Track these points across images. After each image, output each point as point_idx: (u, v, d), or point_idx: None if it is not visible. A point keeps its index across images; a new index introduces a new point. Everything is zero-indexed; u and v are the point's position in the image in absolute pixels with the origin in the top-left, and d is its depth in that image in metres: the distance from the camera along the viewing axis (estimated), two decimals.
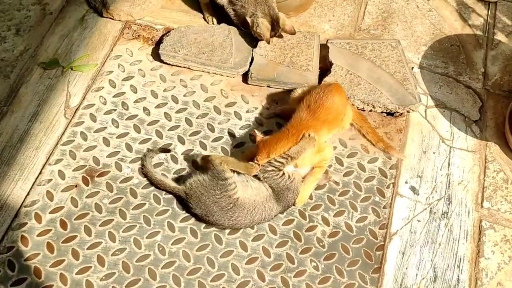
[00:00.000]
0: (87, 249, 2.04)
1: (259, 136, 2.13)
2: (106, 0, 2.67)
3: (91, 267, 2.00)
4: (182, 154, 2.29)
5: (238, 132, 2.36)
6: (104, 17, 2.73)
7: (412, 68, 2.61)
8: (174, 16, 2.77)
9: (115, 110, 2.41)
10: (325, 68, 2.52)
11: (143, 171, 2.21)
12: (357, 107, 2.40)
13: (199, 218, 2.10)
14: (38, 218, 2.10)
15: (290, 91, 2.41)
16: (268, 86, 2.50)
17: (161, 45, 2.53)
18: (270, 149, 2.04)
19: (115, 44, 2.64)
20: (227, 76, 2.53)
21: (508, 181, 2.29)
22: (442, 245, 2.12)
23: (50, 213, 2.11)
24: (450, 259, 2.09)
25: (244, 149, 2.30)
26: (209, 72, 2.53)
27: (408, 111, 2.41)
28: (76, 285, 1.96)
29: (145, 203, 2.15)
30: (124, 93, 2.46)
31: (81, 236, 2.07)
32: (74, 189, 2.18)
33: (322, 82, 2.41)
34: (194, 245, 2.07)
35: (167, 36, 2.57)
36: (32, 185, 2.18)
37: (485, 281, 2.05)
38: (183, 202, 2.13)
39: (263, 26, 2.45)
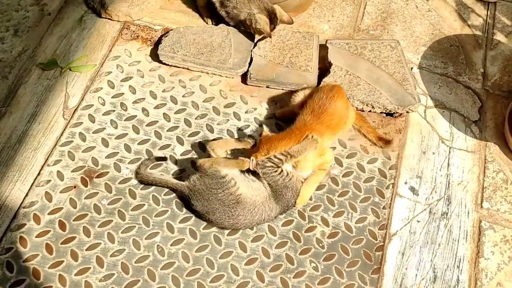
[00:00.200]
0: (86, 250, 2.03)
1: (265, 131, 2.13)
2: (104, 0, 2.67)
3: (90, 268, 2.00)
4: (181, 155, 2.28)
5: (237, 133, 2.36)
6: (102, 17, 2.72)
7: (412, 68, 2.61)
8: (173, 16, 2.77)
9: (113, 110, 2.40)
10: (324, 68, 2.51)
11: (140, 179, 2.19)
12: (357, 108, 2.39)
13: (198, 216, 2.10)
14: (36, 219, 2.09)
15: (289, 92, 2.42)
16: (267, 87, 2.49)
17: (159, 45, 2.53)
18: (271, 146, 2.04)
19: (114, 45, 2.63)
20: (226, 76, 2.52)
21: (507, 181, 2.29)
22: (442, 245, 2.12)
23: (48, 214, 2.11)
24: (449, 260, 2.09)
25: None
26: (208, 73, 2.53)
27: (407, 112, 2.40)
28: (75, 286, 1.96)
29: (144, 204, 2.15)
30: (123, 93, 2.46)
31: (80, 237, 2.06)
32: (73, 190, 2.17)
33: (322, 83, 2.41)
34: (193, 246, 2.06)
35: (166, 36, 2.57)
36: (31, 186, 2.18)
37: (485, 282, 2.05)
38: (183, 199, 2.13)
39: (262, 21, 2.46)
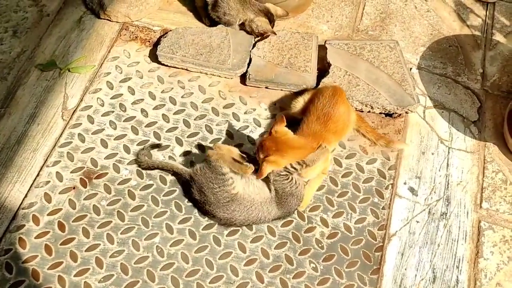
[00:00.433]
0: (85, 251, 2.03)
1: (281, 125, 2.03)
2: (103, 1, 2.67)
3: (89, 269, 2.00)
4: (180, 155, 2.28)
5: (236, 133, 2.36)
6: (101, 18, 2.72)
7: (411, 69, 2.61)
8: (172, 17, 2.77)
9: (112, 111, 2.40)
10: (323, 69, 2.51)
11: (143, 166, 2.22)
12: (356, 108, 2.39)
13: (197, 205, 2.11)
14: (36, 220, 2.09)
15: (289, 97, 2.42)
16: (266, 87, 2.49)
17: (158, 46, 2.52)
18: (284, 154, 1.97)
19: (113, 46, 2.63)
20: (225, 77, 2.52)
21: (507, 181, 2.29)
22: (441, 245, 2.12)
23: (48, 215, 2.10)
24: (449, 260, 2.09)
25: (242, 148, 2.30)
26: (207, 74, 2.53)
27: (406, 112, 2.40)
28: (74, 287, 1.96)
29: (143, 205, 2.14)
30: (122, 94, 2.46)
31: (79, 238, 2.06)
32: (72, 191, 2.17)
33: (321, 84, 2.41)
34: (192, 247, 2.06)
35: (165, 37, 2.57)
36: (30, 187, 2.17)
37: (484, 282, 2.05)
38: (184, 184, 2.15)
39: (263, 23, 2.52)
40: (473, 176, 2.30)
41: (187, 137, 2.34)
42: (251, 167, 2.03)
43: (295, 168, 2.00)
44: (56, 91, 2.46)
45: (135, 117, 2.39)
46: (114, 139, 2.32)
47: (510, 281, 2.05)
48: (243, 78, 2.50)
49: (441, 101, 2.52)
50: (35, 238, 2.05)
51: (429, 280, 2.04)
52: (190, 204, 2.15)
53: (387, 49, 2.55)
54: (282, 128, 2.03)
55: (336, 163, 2.29)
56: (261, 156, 1.97)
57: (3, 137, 2.31)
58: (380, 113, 2.43)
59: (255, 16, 2.54)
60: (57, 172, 2.21)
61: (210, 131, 2.36)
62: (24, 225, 2.08)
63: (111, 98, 2.44)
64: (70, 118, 2.37)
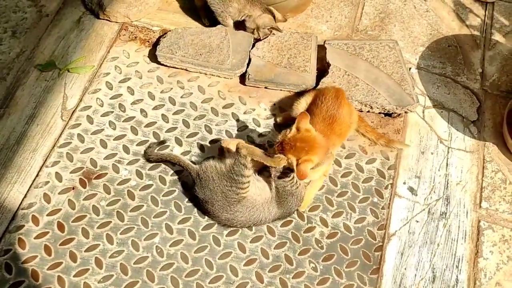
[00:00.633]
0: (84, 251, 2.03)
1: (305, 121, 1.97)
2: (102, 2, 2.67)
3: (88, 269, 1.99)
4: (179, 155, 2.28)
5: (236, 134, 2.36)
6: (100, 19, 2.72)
7: (410, 68, 2.61)
8: (171, 17, 2.77)
9: (112, 112, 2.40)
10: (322, 69, 2.51)
11: (152, 158, 2.23)
12: (355, 108, 2.39)
13: (197, 204, 2.11)
14: (35, 220, 2.09)
15: (289, 98, 2.42)
16: (265, 88, 2.49)
17: (158, 46, 2.52)
18: (319, 151, 1.94)
19: (112, 46, 2.63)
20: (225, 77, 2.52)
21: (506, 181, 2.29)
22: (441, 245, 2.12)
23: (47, 215, 2.10)
24: (448, 260, 2.09)
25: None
26: (206, 74, 2.53)
27: (406, 112, 2.40)
28: (74, 287, 1.96)
29: (143, 205, 2.14)
30: (121, 95, 2.46)
31: (79, 238, 2.06)
32: (72, 191, 2.17)
33: (320, 84, 2.41)
34: (192, 247, 2.06)
35: (164, 37, 2.57)
36: (29, 187, 2.17)
37: (484, 281, 2.05)
38: (186, 187, 2.16)
39: (269, 20, 2.56)
40: (472, 176, 2.30)
41: (187, 137, 2.34)
42: (284, 158, 1.96)
43: None
44: (55, 92, 2.46)
45: (134, 117, 2.39)
46: (114, 140, 2.32)
47: (510, 280, 2.05)
48: (243, 78, 2.50)
49: (440, 101, 2.52)
50: (34, 238, 2.05)
51: (428, 280, 2.04)
52: (190, 204, 2.15)
53: (387, 49, 2.55)
54: (307, 125, 1.97)
55: (335, 163, 2.29)
56: (292, 156, 1.92)
57: (2, 138, 2.31)
58: (380, 113, 2.43)
59: (262, 12, 2.54)
60: (56, 173, 2.21)
61: (210, 131, 2.36)
62: (24, 226, 2.08)
63: (111, 99, 2.44)
64: (70, 119, 2.37)
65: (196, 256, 2.04)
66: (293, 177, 2.01)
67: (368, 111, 2.42)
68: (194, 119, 2.40)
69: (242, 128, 2.38)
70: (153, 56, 2.55)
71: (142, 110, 2.41)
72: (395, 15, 2.85)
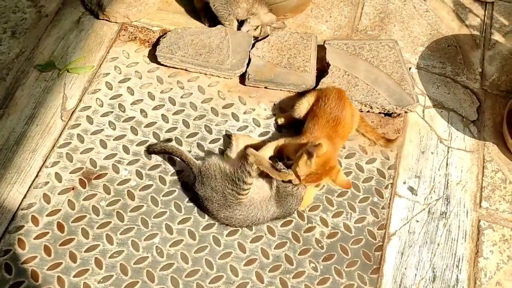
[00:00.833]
0: (84, 251, 2.03)
1: (322, 151, 1.92)
2: (102, 2, 2.66)
3: (88, 269, 1.99)
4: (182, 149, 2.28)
5: (236, 133, 2.35)
6: (100, 19, 2.72)
7: (410, 68, 2.61)
8: (171, 17, 2.77)
9: (112, 112, 2.40)
10: (322, 69, 2.51)
11: (156, 149, 2.23)
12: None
13: (197, 201, 2.11)
14: (35, 221, 2.09)
15: (288, 93, 2.42)
16: (265, 88, 2.49)
17: (157, 47, 2.52)
18: (334, 167, 1.97)
19: (112, 46, 2.63)
20: (224, 77, 2.52)
21: (506, 180, 2.29)
22: (441, 245, 2.12)
23: (47, 215, 2.10)
24: (449, 259, 2.09)
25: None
26: (206, 74, 2.53)
27: (406, 112, 2.40)
28: None
29: (143, 205, 2.14)
30: (121, 95, 2.45)
31: (79, 238, 2.06)
32: (71, 192, 2.17)
33: (320, 84, 2.41)
34: (192, 247, 2.06)
35: (164, 37, 2.56)
36: (29, 187, 2.17)
37: (484, 281, 2.04)
38: (186, 187, 2.15)
39: (274, 17, 2.58)
40: (472, 176, 2.30)
41: (187, 137, 2.34)
42: (291, 174, 1.97)
43: None
44: (55, 92, 2.46)
45: (134, 117, 2.38)
46: (113, 140, 2.32)
47: (510, 280, 2.05)
48: (242, 78, 2.50)
49: (440, 101, 2.52)
50: (34, 239, 2.05)
51: (429, 280, 2.04)
52: (190, 204, 2.15)
53: (386, 49, 2.55)
54: (323, 151, 1.93)
55: None
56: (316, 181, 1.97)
57: (1, 138, 2.30)
58: (380, 112, 2.43)
59: (268, 11, 2.56)
60: (56, 173, 2.21)
61: (210, 131, 2.36)
62: (23, 226, 2.07)
63: (110, 99, 2.44)
64: (69, 119, 2.37)
65: (196, 256, 2.04)
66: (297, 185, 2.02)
67: (368, 111, 2.42)
68: (194, 119, 2.39)
69: (242, 128, 2.37)
70: (153, 56, 2.55)
71: (142, 110, 2.41)
72: (394, 15, 2.85)
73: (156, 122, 2.37)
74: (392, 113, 2.41)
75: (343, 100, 2.18)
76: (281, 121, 2.38)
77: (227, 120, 2.39)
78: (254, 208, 2.01)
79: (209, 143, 2.32)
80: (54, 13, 2.76)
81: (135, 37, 2.67)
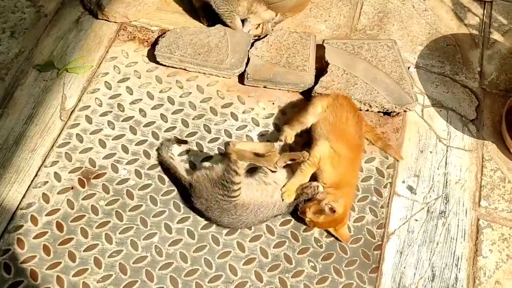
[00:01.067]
0: (83, 251, 2.03)
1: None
2: (101, 2, 2.67)
3: (87, 269, 1.99)
4: (178, 155, 2.28)
5: (235, 133, 2.35)
6: (99, 19, 2.72)
7: (409, 67, 2.61)
8: (170, 17, 2.77)
9: (111, 111, 2.40)
10: (321, 68, 2.51)
11: (159, 159, 2.23)
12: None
13: (200, 214, 2.10)
14: (34, 220, 2.09)
15: (287, 93, 2.42)
16: (264, 87, 2.49)
17: (156, 46, 2.52)
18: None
19: (111, 46, 2.63)
20: (223, 77, 2.52)
21: (505, 179, 2.29)
22: (440, 244, 2.12)
23: (46, 215, 2.10)
24: (448, 258, 2.09)
25: None
26: (205, 73, 2.53)
27: (404, 111, 2.40)
28: (73, 287, 1.95)
29: (142, 205, 2.14)
30: (120, 94, 2.45)
31: (78, 238, 2.06)
32: (70, 191, 2.17)
33: (320, 83, 2.40)
34: (191, 246, 2.06)
35: (163, 37, 2.56)
36: (28, 187, 2.17)
37: (483, 280, 2.05)
38: (185, 197, 2.14)
39: (274, 15, 2.60)
40: (471, 175, 2.30)
41: (186, 136, 2.34)
42: (276, 154, 1.97)
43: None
44: (54, 92, 2.46)
45: (133, 117, 2.39)
46: (113, 139, 2.32)
47: (509, 279, 2.05)
48: (241, 78, 2.50)
49: (439, 100, 2.52)
50: (33, 238, 2.05)
51: (428, 279, 2.04)
52: (189, 204, 2.15)
53: (385, 48, 2.56)
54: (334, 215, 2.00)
55: None
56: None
57: (1, 138, 2.30)
58: (379, 111, 2.43)
59: (267, 8, 2.57)
60: (55, 173, 2.21)
61: (209, 130, 2.36)
62: (22, 226, 2.07)
63: (109, 98, 2.44)
64: (68, 119, 2.37)
65: (195, 256, 2.04)
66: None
67: (367, 110, 2.42)
68: (193, 119, 2.39)
69: (241, 127, 2.38)
70: (152, 56, 2.54)
71: (141, 110, 2.41)
72: (393, 15, 2.85)
73: (155, 122, 2.37)
74: (391, 112, 2.41)
75: (356, 115, 2.22)
76: (289, 139, 2.24)
77: (226, 120, 2.40)
78: (264, 209, 2.02)
79: (208, 142, 2.32)
80: (53, 13, 2.76)
81: (134, 37, 2.67)
